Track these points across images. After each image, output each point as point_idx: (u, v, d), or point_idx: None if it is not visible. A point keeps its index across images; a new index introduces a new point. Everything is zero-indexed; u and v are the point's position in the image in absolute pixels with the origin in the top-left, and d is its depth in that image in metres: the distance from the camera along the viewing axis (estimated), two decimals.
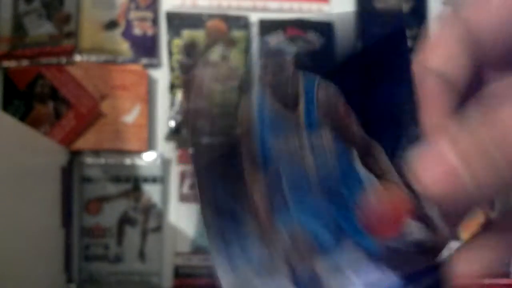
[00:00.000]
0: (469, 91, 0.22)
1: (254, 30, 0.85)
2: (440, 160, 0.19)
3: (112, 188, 0.77)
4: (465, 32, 0.21)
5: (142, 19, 0.81)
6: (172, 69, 0.81)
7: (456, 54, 0.21)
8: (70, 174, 0.76)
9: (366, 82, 0.23)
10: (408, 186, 0.21)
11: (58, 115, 0.77)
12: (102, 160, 0.77)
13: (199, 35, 0.82)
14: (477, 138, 0.18)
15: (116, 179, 0.77)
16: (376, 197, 0.22)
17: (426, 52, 0.22)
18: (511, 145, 0.18)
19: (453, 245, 0.24)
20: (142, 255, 0.76)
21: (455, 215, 0.22)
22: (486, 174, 0.18)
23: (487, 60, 0.21)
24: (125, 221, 0.76)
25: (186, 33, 0.82)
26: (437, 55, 0.22)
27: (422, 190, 0.20)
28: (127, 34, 0.81)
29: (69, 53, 0.79)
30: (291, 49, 0.83)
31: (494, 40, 0.21)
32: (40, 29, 0.79)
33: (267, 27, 0.85)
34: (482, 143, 0.18)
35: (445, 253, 0.23)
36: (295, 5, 0.86)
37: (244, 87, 0.23)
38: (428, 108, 0.21)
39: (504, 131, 0.18)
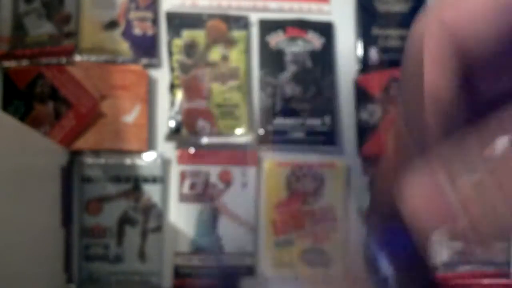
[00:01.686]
0: (464, 106, 0.20)
1: (254, 30, 0.85)
2: (440, 197, 0.18)
3: (112, 188, 0.77)
4: (449, 42, 0.18)
5: (142, 19, 0.81)
6: (172, 69, 0.81)
7: (444, 73, 0.19)
8: (70, 174, 0.76)
9: None
10: None
11: (58, 115, 0.77)
12: (102, 160, 0.77)
13: (199, 35, 0.82)
14: (481, 188, 0.18)
15: (116, 179, 0.77)
16: None
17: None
18: None
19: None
20: (142, 255, 0.76)
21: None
22: (485, 222, 0.18)
23: (477, 68, 0.19)
24: (125, 221, 0.76)
25: (186, 33, 0.82)
26: (429, 75, 0.19)
27: (413, 217, 0.19)
28: (127, 34, 0.81)
29: (69, 53, 0.79)
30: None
31: (480, 43, 0.18)
32: (40, 29, 0.79)
33: (267, 27, 0.85)
34: (486, 193, 0.17)
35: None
36: (295, 5, 0.86)
37: None
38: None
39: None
